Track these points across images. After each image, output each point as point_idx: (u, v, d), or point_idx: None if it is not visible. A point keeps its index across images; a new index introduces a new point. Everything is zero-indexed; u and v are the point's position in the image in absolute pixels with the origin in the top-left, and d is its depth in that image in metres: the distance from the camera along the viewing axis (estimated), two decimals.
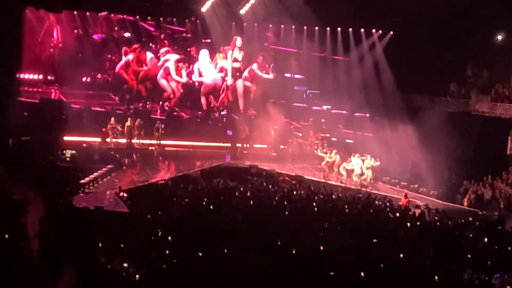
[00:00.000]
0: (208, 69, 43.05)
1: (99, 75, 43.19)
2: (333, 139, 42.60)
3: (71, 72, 39.93)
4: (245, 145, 40.90)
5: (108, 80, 43.17)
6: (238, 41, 43.02)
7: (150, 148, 38.75)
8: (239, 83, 43.53)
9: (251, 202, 26.85)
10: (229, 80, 43.23)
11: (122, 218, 22.84)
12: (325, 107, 45.61)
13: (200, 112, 43.08)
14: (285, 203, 27.39)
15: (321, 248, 20.03)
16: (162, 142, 39.13)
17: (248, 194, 29.01)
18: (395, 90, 43.14)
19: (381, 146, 38.24)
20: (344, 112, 44.50)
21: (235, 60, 43.18)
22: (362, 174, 36.20)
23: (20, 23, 37.37)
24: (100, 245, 18.13)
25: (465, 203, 35.87)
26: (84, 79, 42.42)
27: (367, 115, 43.74)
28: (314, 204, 27.84)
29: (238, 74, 43.38)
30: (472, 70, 44.13)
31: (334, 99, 42.82)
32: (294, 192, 30.69)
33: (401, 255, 20.03)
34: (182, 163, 36.66)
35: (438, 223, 27.32)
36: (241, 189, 30.23)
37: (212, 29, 43.26)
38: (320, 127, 43.19)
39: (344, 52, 45.28)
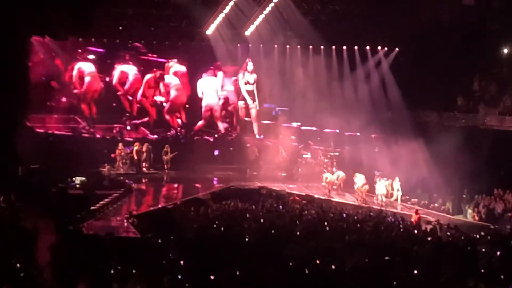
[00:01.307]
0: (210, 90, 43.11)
1: (63, 99, 42.28)
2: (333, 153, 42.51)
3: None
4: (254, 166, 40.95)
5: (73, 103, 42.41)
6: (250, 65, 43.06)
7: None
8: (252, 106, 43.63)
9: (262, 224, 26.80)
10: (240, 103, 43.40)
11: (133, 243, 22.83)
12: (294, 124, 45.36)
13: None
14: (297, 222, 27.34)
15: (334, 267, 19.93)
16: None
17: (259, 215, 28.94)
18: (402, 107, 43.11)
19: (390, 163, 38.15)
20: (334, 130, 44.32)
21: (247, 82, 43.18)
22: (391, 195, 36.31)
23: (26, 53, 37.65)
24: (112, 271, 18.08)
25: (476, 218, 35.74)
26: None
27: (358, 133, 43.58)
28: (326, 223, 27.75)
29: (251, 97, 43.39)
30: (480, 83, 44.05)
31: (342, 117, 42.56)
32: (305, 212, 30.60)
33: (415, 272, 19.91)
34: (192, 186, 36.67)
35: (450, 239, 27.17)
36: (252, 210, 30.17)
37: (217, 51, 43.34)
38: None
39: (350, 70, 45.32)
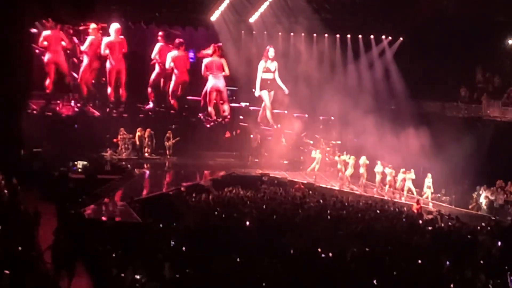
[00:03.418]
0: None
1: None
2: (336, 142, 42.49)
3: None
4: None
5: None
6: (271, 51, 42.71)
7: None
8: (265, 94, 43.26)
9: (264, 211, 26.83)
10: (257, 92, 43.00)
11: (134, 229, 22.87)
12: (243, 104, 45.34)
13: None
14: (299, 210, 27.37)
15: (335, 255, 19.97)
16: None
17: (261, 202, 28.97)
18: (405, 96, 43.07)
19: (392, 153, 38.13)
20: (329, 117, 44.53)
21: (267, 70, 42.85)
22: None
23: (29, 36, 37.63)
24: (112, 256, 18.12)
25: (473, 208, 35.72)
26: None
27: (332, 118, 43.97)
28: (327, 211, 27.79)
29: (269, 82, 43.08)
30: (483, 75, 43.98)
31: (343, 104, 42.37)
32: (307, 200, 30.62)
33: (415, 262, 19.96)
34: (193, 172, 36.73)
35: (451, 229, 27.21)
36: (253, 197, 30.20)
37: (222, 38, 43.23)
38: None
39: (354, 59, 45.27)
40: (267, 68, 42.83)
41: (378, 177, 36.97)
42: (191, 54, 43.97)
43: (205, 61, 41.87)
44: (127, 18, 41.41)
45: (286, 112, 43.84)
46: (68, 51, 40.55)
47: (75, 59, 41.17)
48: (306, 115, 44.55)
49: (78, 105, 40.47)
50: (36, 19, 38.74)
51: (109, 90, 40.94)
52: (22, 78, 34.39)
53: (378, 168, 36.84)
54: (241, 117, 44.12)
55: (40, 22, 39.33)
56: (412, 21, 41.44)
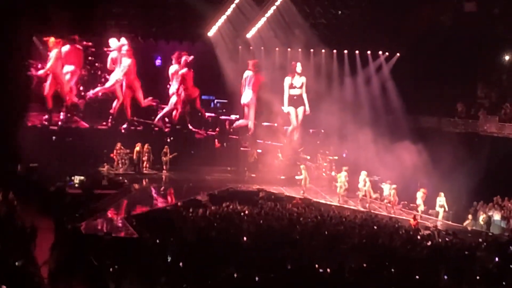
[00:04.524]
0: None
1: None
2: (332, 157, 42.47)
3: None
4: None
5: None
6: (298, 66, 42.62)
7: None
8: (292, 111, 43.13)
9: (261, 226, 26.80)
10: (285, 108, 42.79)
11: (131, 244, 22.85)
12: (233, 116, 45.20)
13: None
14: (296, 226, 27.34)
15: (332, 271, 19.96)
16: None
17: (257, 217, 28.93)
18: (402, 111, 43.15)
19: (389, 168, 38.13)
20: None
21: (293, 86, 42.66)
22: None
23: (27, 51, 37.69)
24: (109, 270, 18.10)
25: (468, 224, 35.67)
26: None
27: (322, 131, 43.98)
28: (325, 227, 27.77)
29: (295, 98, 42.80)
30: (480, 90, 44.17)
31: (340, 119, 42.37)
32: (304, 215, 30.59)
33: (413, 277, 19.96)
34: (190, 187, 36.70)
35: (448, 245, 27.20)
36: (251, 213, 30.15)
37: (219, 53, 43.34)
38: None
39: (351, 74, 45.35)
40: (294, 84, 42.66)
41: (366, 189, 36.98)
42: (158, 61, 44.18)
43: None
44: (124, 33, 41.41)
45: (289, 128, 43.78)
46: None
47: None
48: (237, 116, 44.80)
49: (68, 115, 40.62)
50: (33, 33, 38.81)
51: (114, 103, 41.47)
52: (19, 93, 34.45)
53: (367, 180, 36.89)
54: (231, 130, 44.09)
55: (40, 39, 39.48)
56: (409, 37, 41.55)
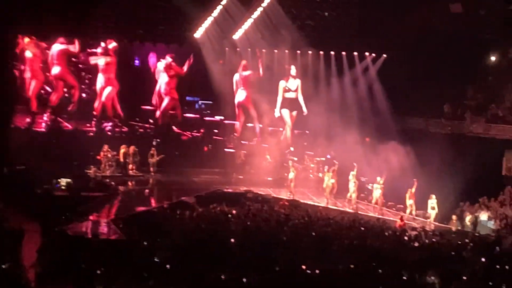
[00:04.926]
0: None
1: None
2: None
3: None
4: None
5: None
6: (293, 69, 42.71)
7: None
8: (286, 113, 43.09)
9: (248, 227, 26.78)
10: (277, 112, 42.82)
11: (119, 246, 22.79)
12: (218, 117, 45.26)
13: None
14: (283, 228, 27.34)
15: (320, 272, 19.96)
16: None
17: (245, 219, 28.92)
18: (389, 112, 43.23)
19: (376, 169, 38.23)
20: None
21: (288, 90, 42.74)
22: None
23: (12, 51, 37.49)
24: (97, 273, 18.04)
25: (453, 224, 35.76)
26: None
27: (307, 132, 44.16)
28: (312, 228, 27.78)
29: (290, 101, 42.80)
30: (467, 91, 44.33)
31: (327, 120, 42.43)
32: (291, 217, 30.59)
33: (400, 278, 19.99)
34: (178, 189, 36.64)
35: (435, 245, 27.26)
36: (238, 214, 30.14)
37: (206, 54, 43.30)
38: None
39: (338, 75, 45.38)
40: (288, 87, 42.67)
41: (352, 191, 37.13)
42: (136, 62, 44.30)
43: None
44: (111, 35, 41.32)
45: (281, 129, 43.76)
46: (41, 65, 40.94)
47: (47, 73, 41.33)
48: (222, 118, 45.19)
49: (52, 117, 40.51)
50: (20, 34, 38.69)
51: (96, 104, 41.41)
52: (5, 94, 34.26)
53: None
54: (215, 130, 44.22)
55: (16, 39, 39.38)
56: (396, 38, 41.62)
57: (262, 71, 42.33)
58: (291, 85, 42.65)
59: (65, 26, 38.08)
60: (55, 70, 40.38)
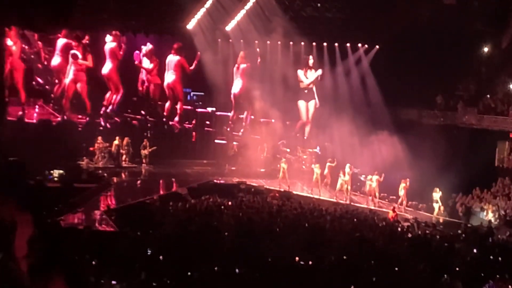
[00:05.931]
0: None
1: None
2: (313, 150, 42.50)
3: None
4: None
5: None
6: (311, 60, 42.89)
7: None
8: (302, 105, 43.23)
9: (241, 219, 26.77)
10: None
11: (111, 237, 22.77)
12: (209, 109, 45.10)
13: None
14: (276, 219, 27.34)
15: (312, 263, 19.96)
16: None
17: (237, 210, 28.93)
18: (382, 104, 43.22)
19: (368, 160, 38.27)
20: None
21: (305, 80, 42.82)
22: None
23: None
24: (89, 264, 18.02)
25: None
26: None
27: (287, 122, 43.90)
28: (304, 219, 27.79)
29: (306, 92, 42.92)
30: (459, 82, 44.34)
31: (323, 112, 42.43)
32: (284, 208, 30.60)
33: (393, 269, 19.99)
34: (170, 181, 36.62)
35: (427, 237, 27.31)
36: (231, 205, 30.14)
37: (198, 46, 43.15)
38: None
39: (330, 66, 45.30)
40: (306, 77, 42.67)
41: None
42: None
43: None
44: (103, 27, 41.14)
45: (273, 121, 43.61)
46: (32, 56, 40.71)
47: (39, 65, 41.15)
48: (214, 109, 44.69)
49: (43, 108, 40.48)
50: (8, 26, 38.46)
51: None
52: None
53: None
54: (207, 122, 44.07)
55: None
56: (388, 29, 41.60)
57: (259, 61, 42.25)
58: (310, 76, 42.67)
59: (53, 18, 37.81)
60: (55, 61, 40.17)
